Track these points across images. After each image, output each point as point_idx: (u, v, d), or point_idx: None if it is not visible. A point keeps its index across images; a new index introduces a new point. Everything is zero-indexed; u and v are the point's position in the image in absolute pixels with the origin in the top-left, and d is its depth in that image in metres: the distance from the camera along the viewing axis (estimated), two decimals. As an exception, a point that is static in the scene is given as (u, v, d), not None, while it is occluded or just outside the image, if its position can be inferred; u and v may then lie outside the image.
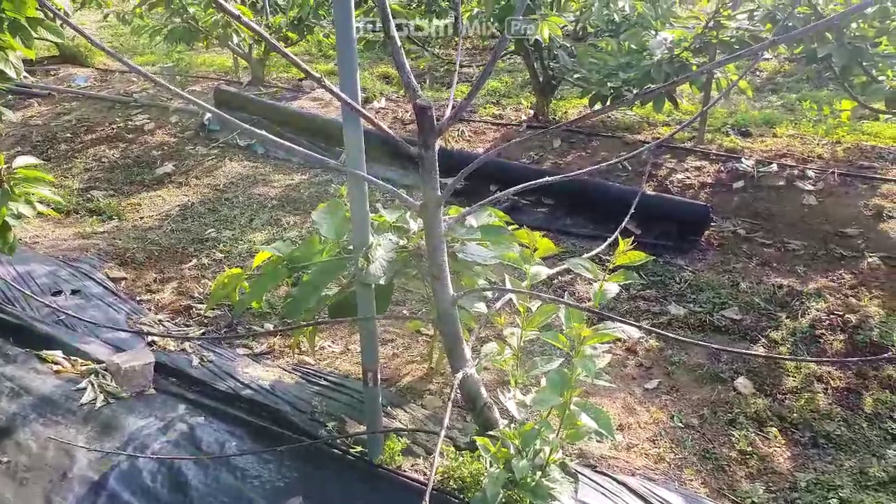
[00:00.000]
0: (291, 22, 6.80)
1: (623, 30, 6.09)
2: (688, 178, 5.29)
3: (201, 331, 3.43)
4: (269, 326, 3.50)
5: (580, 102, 6.89)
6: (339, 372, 3.14)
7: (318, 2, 6.59)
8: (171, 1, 6.46)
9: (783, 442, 2.91)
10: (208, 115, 6.58)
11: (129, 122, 6.77)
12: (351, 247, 2.19)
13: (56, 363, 2.99)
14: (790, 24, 4.80)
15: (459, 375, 1.94)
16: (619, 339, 3.36)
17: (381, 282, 2.03)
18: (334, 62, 9.17)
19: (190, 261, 4.24)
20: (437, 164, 1.89)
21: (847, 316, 3.66)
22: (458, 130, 6.37)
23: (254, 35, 6.78)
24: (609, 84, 5.43)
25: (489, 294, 2.42)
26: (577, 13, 5.78)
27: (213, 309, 3.62)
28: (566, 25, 5.09)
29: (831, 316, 3.69)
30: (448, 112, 1.95)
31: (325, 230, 2.30)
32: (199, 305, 3.67)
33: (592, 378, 1.80)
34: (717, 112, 6.57)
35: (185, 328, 3.46)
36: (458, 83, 8.08)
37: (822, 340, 3.53)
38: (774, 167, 5.20)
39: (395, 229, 2.33)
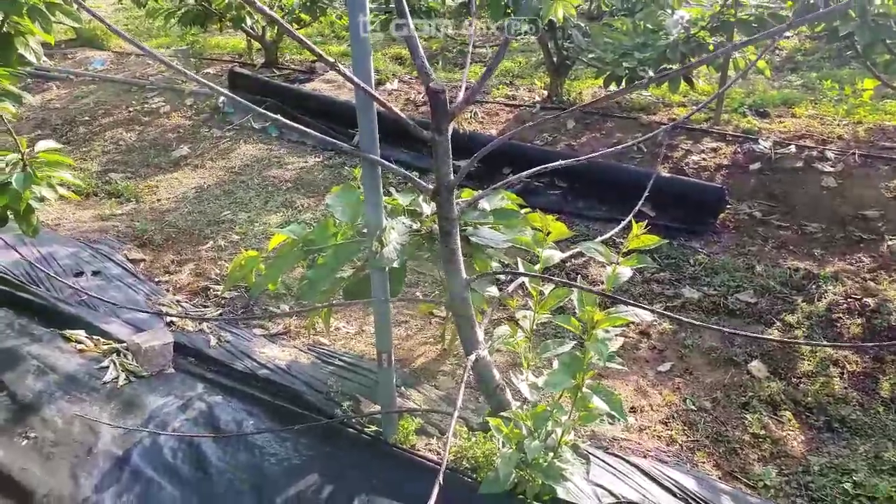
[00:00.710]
0: (304, 3, 6.78)
1: (639, 9, 6.02)
2: (703, 159, 5.24)
3: (218, 311, 3.48)
4: (285, 307, 3.55)
5: (595, 83, 6.83)
6: (353, 352, 3.18)
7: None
8: (186, -17, 6.46)
9: (797, 426, 2.91)
10: (223, 97, 6.61)
11: (146, 105, 6.81)
12: (365, 230, 2.20)
13: (79, 342, 3.06)
14: (811, 1, 4.72)
15: (472, 358, 1.96)
16: (631, 323, 3.37)
17: (395, 265, 2.05)
18: (347, 44, 9.14)
19: (207, 242, 4.28)
20: (450, 148, 1.90)
21: (865, 299, 3.63)
22: (471, 112, 6.34)
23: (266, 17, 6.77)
24: (624, 64, 5.38)
25: (502, 277, 2.44)
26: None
27: (230, 290, 3.67)
28: (580, 5, 5.03)
29: (849, 300, 3.67)
30: (461, 95, 1.96)
31: (340, 213, 2.32)
32: (217, 286, 3.72)
33: (605, 361, 1.82)
34: (735, 92, 6.48)
35: (203, 309, 3.51)
36: (471, 63, 8.03)
37: (838, 324, 3.51)
38: (793, 148, 5.14)
39: (409, 213, 2.35)
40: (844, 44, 4.91)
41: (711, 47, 4.96)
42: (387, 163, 1.94)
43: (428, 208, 2.31)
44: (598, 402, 1.88)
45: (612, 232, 2.70)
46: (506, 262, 2.59)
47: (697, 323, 1.70)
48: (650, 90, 6.51)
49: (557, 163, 2.02)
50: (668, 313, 1.74)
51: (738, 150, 5.27)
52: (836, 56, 7.77)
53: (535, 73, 7.60)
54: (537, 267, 2.24)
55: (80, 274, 3.71)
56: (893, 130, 5.56)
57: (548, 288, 2.13)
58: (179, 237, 4.38)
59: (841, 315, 3.57)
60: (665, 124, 5.87)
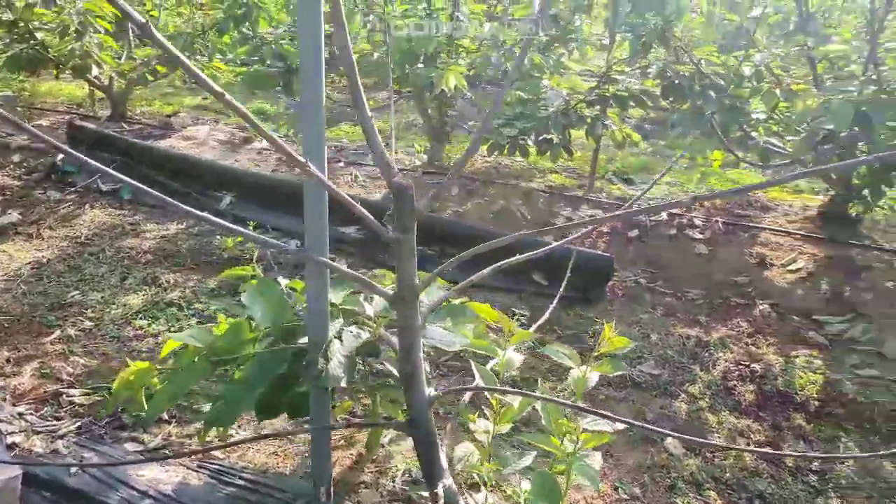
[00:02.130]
0: (162, 54, 6.22)
1: (513, 79, 6.16)
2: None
3: (76, 424, 2.87)
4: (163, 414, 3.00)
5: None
6: (253, 466, 2.73)
7: (195, 34, 6.08)
8: (16, 25, 5.66)
9: (723, 506, 2.89)
10: (61, 154, 5.81)
11: (-40, 161, 5.82)
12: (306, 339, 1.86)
13: None
14: (677, 82, 5.06)
15: (439, 490, 1.68)
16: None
17: (342, 384, 1.73)
18: (203, 96, 8.58)
19: (52, 332, 3.59)
20: (416, 249, 1.65)
21: (752, 365, 3.79)
22: (352, 175, 6.10)
23: (116, 66, 6.12)
24: (505, 132, 5.44)
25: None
26: (470, 61, 5.74)
27: (88, 394, 3.07)
28: (464, 72, 5.02)
29: (739, 366, 3.81)
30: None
31: (260, 316, 1.95)
32: (71, 391, 3.08)
33: (596, 487, 1.62)
34: (600, 159, 6.79)
35: (55, 421, 2.88)
36: (342, 123, 7.79)
37: (735, 392, 3.61)
38: (664, 216, 5.41)
39: (345, 314, 2.03)
40: (703, 122, 5.30)
41: (589, 120, 5.13)
42: (337, 265, 1.64)
43: (371, 308, 2.01)
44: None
45: (546, 315, 2.56)
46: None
47: (677, 435, 1.56)
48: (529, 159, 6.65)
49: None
50: (653, 427, 1.59)
51: (614, 217, 5.46)
52: (679, 126, 8.49)
53: (407, 134, 7.53)
54: (491, 365, 2.03)
55: None
56: (741, 198, 6.07)
57: (512, 397, 1.90)
58: (14, 327, 3.65)
59: (735, 382, 3.68)
60: (543, 191, 5.98)
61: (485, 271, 1.84)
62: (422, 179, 6.00)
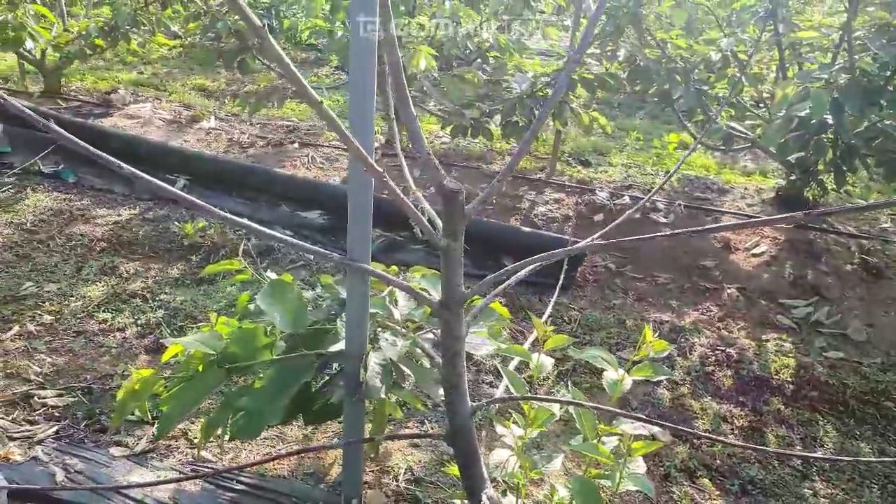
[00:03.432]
0: (102, 28, 5.78)
1: (474, 59, 6.07)
2: (550, 210, 5.37)
3: (53, 427, 2.66)
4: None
5: (431, 127, 6.78)
6: (251, 470, 2.60)
7: (137, 6, 5.68)
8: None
9: (717, 493, 2.94)
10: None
11: None
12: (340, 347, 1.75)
13: None
14: (642, 65, 5.09)
15: (485, 501, 1.62)
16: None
17: (382, 395, 1.64)
18: (137, 71, 8.11)
19: (10, 328, 3.32)
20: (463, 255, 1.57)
21: (728, 350, 3.89)
22: (308, 156, 5.89)
23: (52, 40, 5.65)
24: (468, 114, 5.36)
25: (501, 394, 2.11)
26: (429, 37, 5.61)
27: (61, 395, 2.86)
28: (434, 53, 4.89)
29: (715, 351, 3.90)
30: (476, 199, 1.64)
31: (280, 321, 1.82)
32: (41, 392, 2.85)
33: (650, 493, 1.60)
34: (552, 140, 6.79)
35: (29, 426, 2.66)
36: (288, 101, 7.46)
37: (715, 377, 3.69)
38: (627, 199, 5.48)
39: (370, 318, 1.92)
40: (667, 104, 5.37)
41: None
42: (382, 273, 1.54)
43: (397, 312, 1.91)
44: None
45: (549, 308, 2.52)
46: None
47: (717, 438, 1.56)
48: (479, 139, 6.58)
49: (563, 249, 1.78)
50: (688, 430, 1.58)
51: (579, 200, 5.48)
52: (627, 106, 8.61)
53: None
54: (513, 365, 1.98)
55: None
56: (695, 180, 6.22)
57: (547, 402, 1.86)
58: (-36, 323, 3.36)
59: (713, 368, 3.77)
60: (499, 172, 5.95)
61: (520, 273, 1.77)
62: (382, 162, 5.86)
